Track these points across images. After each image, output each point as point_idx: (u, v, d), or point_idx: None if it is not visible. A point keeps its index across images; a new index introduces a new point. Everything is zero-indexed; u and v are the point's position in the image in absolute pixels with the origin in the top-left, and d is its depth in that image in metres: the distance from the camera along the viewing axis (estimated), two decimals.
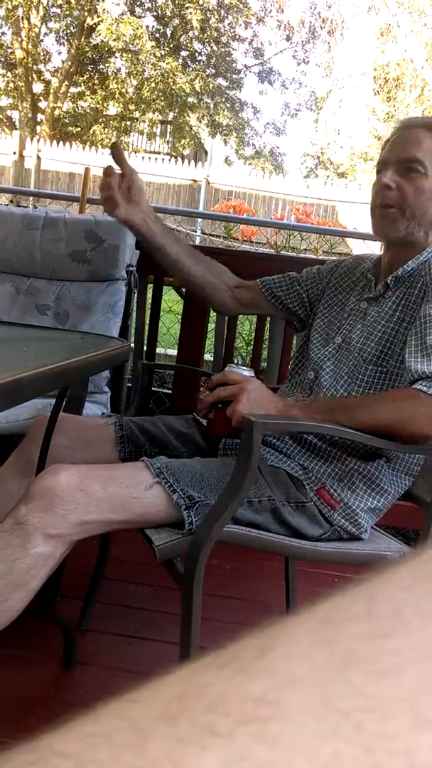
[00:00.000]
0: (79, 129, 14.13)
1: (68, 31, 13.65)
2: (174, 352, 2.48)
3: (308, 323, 1.44)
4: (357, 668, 0.13)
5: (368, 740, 0.11)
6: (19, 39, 13.09)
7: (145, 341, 2.26)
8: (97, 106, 13.98)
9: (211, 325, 2.34)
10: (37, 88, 14.01)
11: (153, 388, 2.62)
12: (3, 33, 13.62)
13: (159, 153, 14.95)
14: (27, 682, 1.30)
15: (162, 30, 14.02)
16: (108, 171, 1.33)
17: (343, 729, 0.12)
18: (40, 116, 14.01)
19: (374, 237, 1.36)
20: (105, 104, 14.01)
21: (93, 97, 13.91)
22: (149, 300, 2.32)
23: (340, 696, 0.12)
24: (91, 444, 1.32)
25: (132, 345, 2.17)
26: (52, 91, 13.70)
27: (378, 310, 1.27)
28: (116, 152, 1.35)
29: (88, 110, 14.15)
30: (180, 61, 13.93)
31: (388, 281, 1.26)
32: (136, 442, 1.32)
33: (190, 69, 14.24)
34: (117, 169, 1.34)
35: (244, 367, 1.25)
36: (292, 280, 1.48)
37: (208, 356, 2.60)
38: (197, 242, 5.96)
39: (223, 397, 1.18)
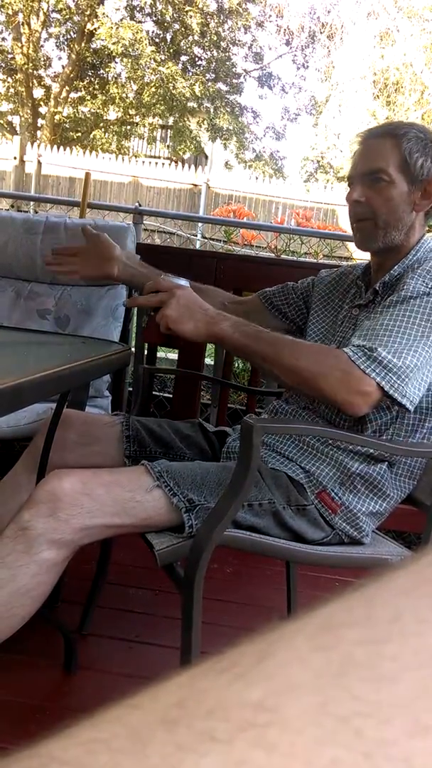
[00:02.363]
0: (79, 134, 14.17)
1: (68, 36, 13.70)
2: (174, 356, 2.48)
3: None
4: (355, 674, 0.13)
5: (367, 746, 0.11)
6: (20, 44, 13.13)
7: (146, 345, 2.26)
8: (98, 110, 14.02)
9: None
10: (38, 93, 14.05)
11: (154, 392, 2.62)
12: (3, 38, 13.67)
13: (159, 157, 14.98)
14: (27, 687, 1.30)
15: (162, 35, 14.07)
16: (54, 252, 1.54)
17: (342, 735, 0.12)
18: (40, 121, 14.05)
19: None
20: (105, 109, 14.05)
21: (93, 101, 13.95)
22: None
23: (338, 702, 0.12)
24: (97, 440, 1.34)
25: (132, 349, 2.17)
26: (52, 96, 13.74)
27: (368, 315, 1.27)
28: (85, 231, 1.52)
29: (89, 115, 14.18)
30: (180, 65, 13.97)
31: (377, 287, 1.28)
32: (141, 442, 1.33)
33: (190, 73, 14.28)
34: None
35: (181, 278, 1.24)
36: (287, 289, 1.51)
37: (208, 360, 2.60)
38: (197, 246, 5.96)
39: (152, 303, 1.19)
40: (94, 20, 12.92)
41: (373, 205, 1.23)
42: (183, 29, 13.85)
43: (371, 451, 1.20)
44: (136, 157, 14.07)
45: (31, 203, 5.69)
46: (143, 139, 15.21)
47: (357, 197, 1.24)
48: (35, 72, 13.71)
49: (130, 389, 2.28)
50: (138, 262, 1.50)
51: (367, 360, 1.08)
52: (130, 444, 1.33)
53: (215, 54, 14.47)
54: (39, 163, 10.58)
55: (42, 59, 13.88)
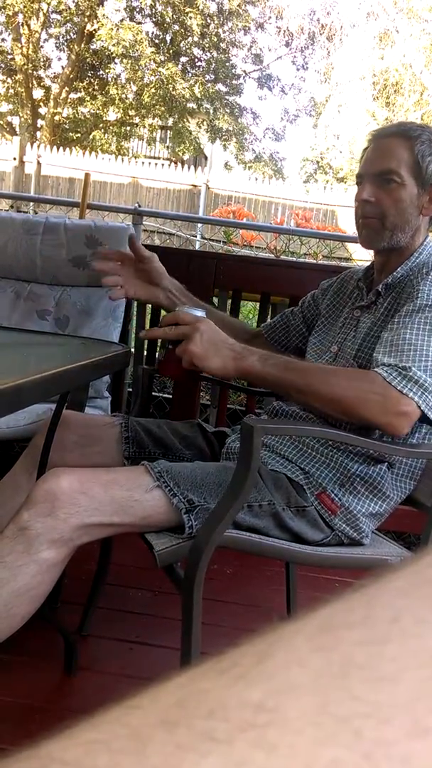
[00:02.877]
0: (79, 134, 14.18)
1: (68, 36, 13.71)
2: None
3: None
4: (355, 674, 0.13)
5: (367, 746, 0.11)
6: (20, 45, 13.14)
7: (146, 346, 2.27)
8: (97, 111, 14.03)
9: None
10: (38, 93, 14.06)
11: (153, 393, 2.63)
12: (3, 39, 13.68)
13: (159, 158, 15.00)
14: (27, 688, 1.30)
15: (162, 36, 14.08)
16: (102, 255, 1.40)
17: (342, 735, 0.12)
18: (40, 122, 14.06)
19: None
20: (105, 110, 14.06)
21: (93, 102, 13.96)
22: (149, 305, 2.32)
23: (338, 702, 0.12)
24: (97, 441, 1.34)
25: (132, 350, 2.17)
26: (52, 96, 13.75)
27: (370, 317, 1.27)
28: (132, 243, 1.38)
29: (88, 116, 14.20)
30: (180, 66, 13.98)
31: (379, 289, 1.27)
32: (140, 443, 1.33)
33: (190, 74, 14.30)
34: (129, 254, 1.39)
35: (197, 309, 1.19)
36: (286, 318, 1.51)
37: None
38: (197, 247, 5.96)
39: (172, 336, 1.14)
40: (94, 21, 12.93)
41: (382, 206, 1.22)
42: (183, 30, 13.87)
43: (371, 452, 1.20)
44: (135, 157, 14.08)
45: (31, 204, 5.70)
46: (143, 140, 15.22)
47: (367, 197, 1.23)
48: (35, 73, 13.72)
49: (130, 390, 2.28)
50: (183, 292, 1.43)
51: (402, 380, 1.07)
52: (129, 445, 1.33)
53: (215, 55, 14.49)
54: (38, 163, 10.59)
55: (42, 60, 13.90)
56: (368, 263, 1.40)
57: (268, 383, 1.15)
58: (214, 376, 1.14)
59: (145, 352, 2.26)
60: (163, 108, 13.79)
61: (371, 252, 1.35)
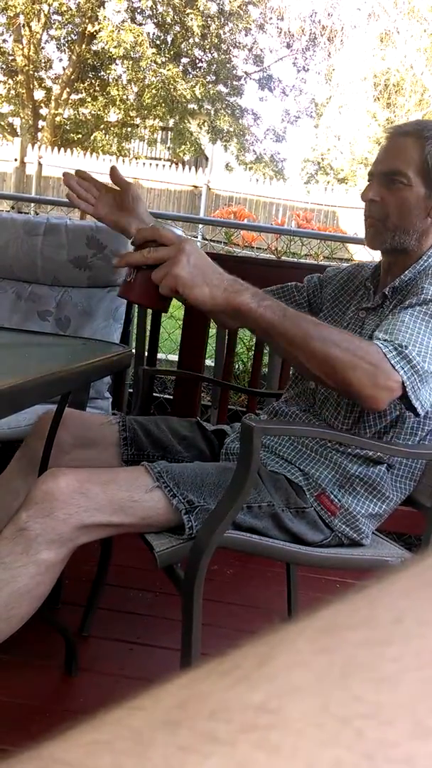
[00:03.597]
0: (80, 135, 14.20)
1: (69, 38, 13.73)
2: (175, 357, 2.48)
3: None
4: (357, 675, 0.13)
5: (368, 747, 0.11)
6: (21, 46, 13.16)
7: (146, 347, 2.27)
8: (98, 112, 14.05)
9: (212, 331, 2.34)
10: (39, 95, 14.09)
11: (154, 394, 2.63)
12: (4, 40, 13.70)
13: (160, 159, 15.02)
14: (28, 689, 1.30)
15: (163, 37, 14.10)
16: (80, 174, 1.36)
17: (344, 736, 0.12)
18: (41, 123, 14.08)
19: None
20: (106, 111, 14.08)
21: (94, 103, 13.98)
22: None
23: (340, 703, 0.12)
24: (94, 442, 1.32)
25: (133, 351, 2.17)
26: (53, 97, 13.77)
27: (375, 319, 1.26)
28: (114, 173, 1.35)
29: (89, 117, 14.22)
30: (180, 67, 14.01)
31: (386, 292, 1.26)
32: (139, 445, 1.32)
33: (191, 75, 14.32)
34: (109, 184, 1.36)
35: (176, 228, 1.08)
36: (289, 290, 1.46)
37: (209, 362, 2.60)
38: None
39: (155, 258, 0.99)
40: (95, 23, 12.95)
41: (386, 206, 1.21)
42: (184, 31, 13.89)
43: (370, 453, 1.20)
44: (136, 158, 14.11)
45: (32, 205, 5.71)
46: (144, 140, 15.24)
47: (372, 196, 1.22)
48: (36, 74, 13.74)
49: (131, 391, 2.29)
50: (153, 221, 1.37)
51: (397, 356, 1.05)
52: (127, 448, 1.31)
53: (216, 56, 14.52)
54: (39, 164, 10.60)
55: (43, 61, 13.93)
56: (378, 262, 1.39)
57: (259, 326, 1.04)
58: (200, 307, 1.02)
59: (146, 353, 2.27)
60: (164, 109, 13.80)
61: (373, 253, 1.34)
